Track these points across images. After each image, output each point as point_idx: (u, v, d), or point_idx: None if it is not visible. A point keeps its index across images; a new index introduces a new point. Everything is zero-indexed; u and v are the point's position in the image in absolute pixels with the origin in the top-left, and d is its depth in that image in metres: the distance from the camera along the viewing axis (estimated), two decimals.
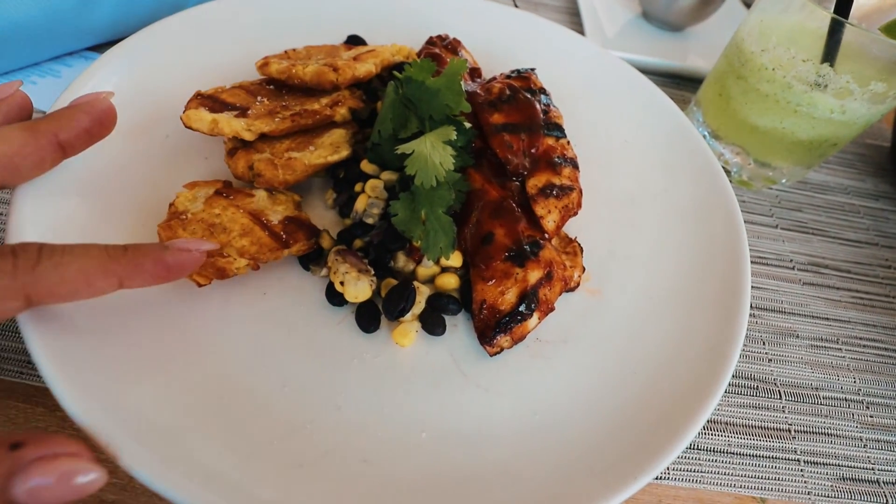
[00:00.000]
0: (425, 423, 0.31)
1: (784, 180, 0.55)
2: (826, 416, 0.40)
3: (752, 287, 0.47)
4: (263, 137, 0.41)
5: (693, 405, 0.31)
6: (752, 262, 0.49)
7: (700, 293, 0.39)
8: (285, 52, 0.50)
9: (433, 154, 0.37)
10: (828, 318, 0.47)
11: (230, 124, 0.40)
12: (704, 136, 0.57)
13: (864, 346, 0.45)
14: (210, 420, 0.29)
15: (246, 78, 0.48)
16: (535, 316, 0.36)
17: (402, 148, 0.37)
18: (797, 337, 0.45)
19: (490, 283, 0.36)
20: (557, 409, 0.33)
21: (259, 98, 0.44)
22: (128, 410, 0.27)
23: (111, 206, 0.37)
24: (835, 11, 0.43)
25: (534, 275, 0.36)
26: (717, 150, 0.56)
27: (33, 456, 0.20)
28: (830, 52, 0.43)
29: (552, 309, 0.37)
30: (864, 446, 0.39)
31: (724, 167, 0.56)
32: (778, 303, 0.47)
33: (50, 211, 0.34)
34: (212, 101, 0.42)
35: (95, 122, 0.32)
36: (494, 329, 0.35)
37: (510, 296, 0.35)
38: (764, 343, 0.44)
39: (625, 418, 0.32)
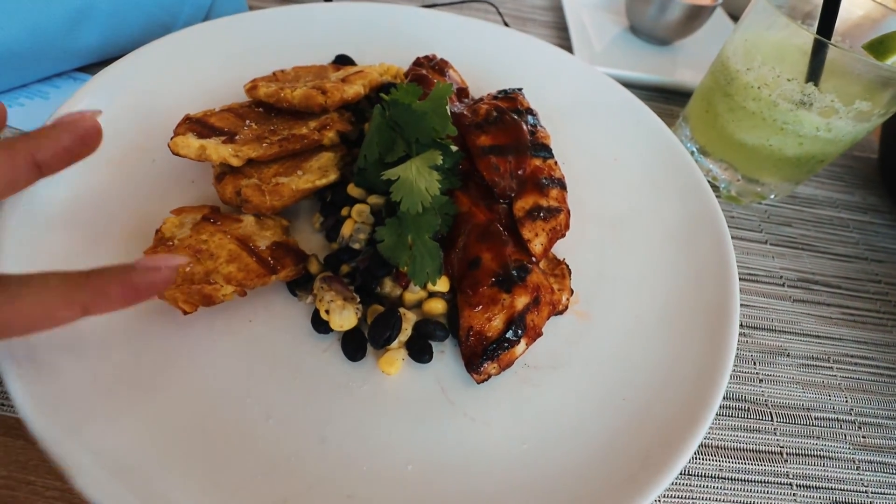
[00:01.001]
0: (411, 455, 0.31)
1: (773, 195, 0.55)
2: (818, 438, 0.40)
3: (742, 305, 0.47)
4: (251, 162, 0.41)
5: (682, 432, 0.31)
6: (741, 279, 0.49)
7: (689, 315, 0.39)
8: (273, 73, 0.50)
9: (419, 179, 0.37)
10: (819, 336, 0.46)
11: (218, 151, 0.40)
12: (692, 152, 0.57)
13: (856, 364, 0.45)
14: (190, 456, 0.28)
15: (236, 99, 0.48)
16: (523, 342, 0.35)
17: (388, 174, 0.37)
18: (788, 356, 0.45)
19: (477, 309, 0.36)
20: (546, 438, 0.33)
21: (247, 122, 0.44)
22: (105, 445, 0.26)
23: (96, 233, 0.37)
24: (818, 31, 0.43)
25: (521, 300, 0.36)
26: (705, 166, 0.56)
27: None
28: (815, 72, 0.43)
29: (540, 334, 0.37)
30: (857, 468, 0.39)
31: (712, 183, 0.57)
32: (768, 321, 0.47)
33: (32, 240, 0.33)
34: (200, 126, 0.42)
35: (77, 140, 0.30)
36: (482, 356, 0.34)
37: (497, 322, 0.35)
38: (755, 363, 0.44)
39: (614, 446, 0.32)
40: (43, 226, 0.35)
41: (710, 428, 0.39)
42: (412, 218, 0.37)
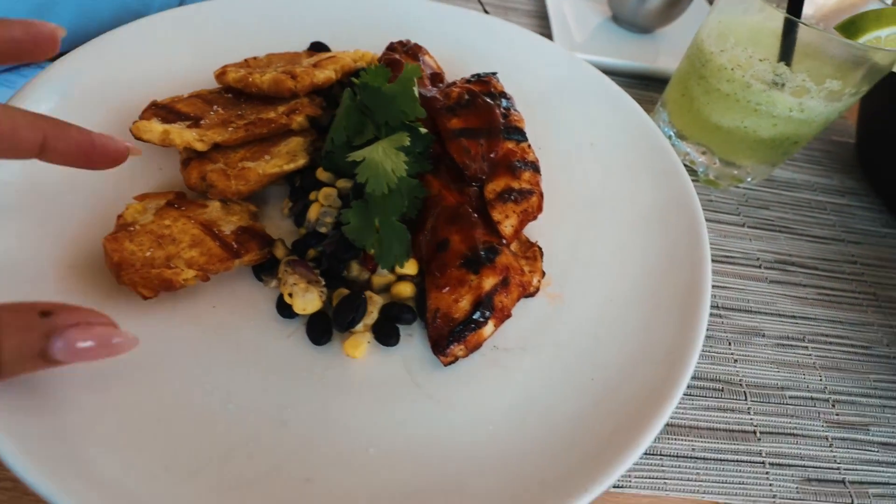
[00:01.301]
0: (373, 438, 0.30)
1: (750, 178, 0.55)
2: (791, 416, 0.40)
3: (718, 287, 0.47)
4: (218, 147, 0.41)
5: (648, 412, 0.31)
6: (718, 261, 0.49)
7: (660, 296, 0.39)
8: (245, 60, 0.50)
9: (385, 161, 0.37)
10: (794, 316, 0.46)
11: (181, 135, 0.39)
12: (670, 137, 0.57)
13: (830, 343, 0.45)
14: (144, 441, 0.27)
15: (208, 86, 0.47)
16: (491, 323, 0.35)
17: (353, 155, 0.37)
18: (763, 336, 0.44)
19: (444, 290, 0.35)
20: (512, 420, 0.32)
21: (214, 107, 0.44)
22: (54, 433, 0.26)
23: (58, 220, 0.36)
24: (788, 11, 0.43)
25: (489, 281, 0.35)
26: (682, 150, 0.56)
27: (68, 322, 0.23)
28: (786, 52, 0.43)
29: (509, 315, 0.36)
30: (830, 446, 0.39)
31: (690, 167, 0.56)
32: (744, 302, 0.47)
33: None
34: (166, 111, 0.42)
35: (29, 36, 0.29)
36: (448, 338, 0.34)
37: (464, 303, 0.35)
38: (730, 343, 0.43)
39: (581, 427, 0.32)
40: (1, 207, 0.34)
41: (684, 408, 0.39)
42: (378, 200, 0.36)
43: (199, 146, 0.39)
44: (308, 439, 0.30)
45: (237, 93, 0.46)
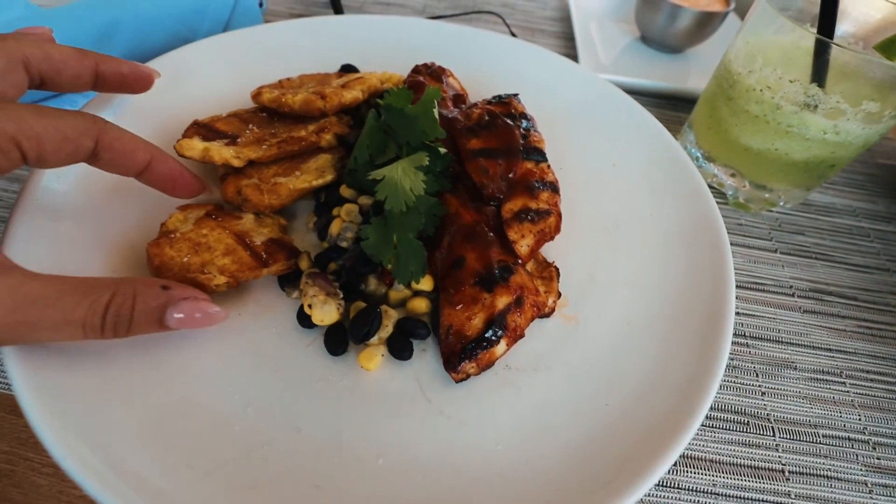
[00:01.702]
0: (383, 449, 0.31)
1: (783, 202, 0.53)
2: (826, 457, 0.37)
3: (745, 314, 0.45)
4: (253, 164, 0.43)
5: (663, 441, 0.30)
6: (747, 287, 0.48)
7: (681, 322, 0.38)
8: (280, 81, 0.53)
9: (404, 179, 0.38)
10: (830, 349, 0.44)
11: (220, 152, 0.41)
12: (697, 158, 0.56)
13: (872, 380, 0.42)
14: (169, 438, 0.29)
15: (244, 106, 0.50)
16: (503, 342, 0.35)
17: (374, 174, 0.38)
18: (795, 369, 0.42)
19: (457, 307, 0.36)
20: (522, 441, 0.32)
21: (250, 126, 0.46)
22: (90, 426, 0.28)
23: (106, 225, 0.39)
24: (819, 31, 0.42)
25: (502, 300, 0.36)
26: (710, 171, 0.54)
27: (181, 295, 0.30)
28: (819, 73, 0.42)
29: (522, 335, 0.36)
30: (870, 492, 0.36)
31: (718, 189, 0.55)
32: (774, 332, 0.44)
33: (41, 228, 0.36)
34: (206, 130, 0.45)
35: (133, 73, 0.38)
36: (460, 355, 0.34)
37: (476, 321, 0.35)
38: (757, 374, 0.41)
39: (591, 452, 0.31)
40: (54, 213, 0.37)
41: (705, 440, 0.37)
42: (397, 217, 0.38)
43: (236, 163, 0.41)
44: (320, 446, 0.30)
45: (271, 112, 0.49)
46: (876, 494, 0.36)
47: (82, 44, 0.56)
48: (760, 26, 0.46)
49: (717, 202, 0.54)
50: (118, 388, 0.31)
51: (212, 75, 0.54)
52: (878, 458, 0.38)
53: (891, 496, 0.36)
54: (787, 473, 0.36)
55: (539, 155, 0.45)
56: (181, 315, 0.29)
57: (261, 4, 0.68)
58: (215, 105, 0.51)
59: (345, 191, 0.43)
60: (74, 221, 0.38)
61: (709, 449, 0.37)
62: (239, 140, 0.44)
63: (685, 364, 0.35)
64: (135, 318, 0.28)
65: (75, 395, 0.29)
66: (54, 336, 0.27)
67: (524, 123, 0.47)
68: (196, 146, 0.41)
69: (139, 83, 0.39)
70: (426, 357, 0.37)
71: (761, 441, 0.38)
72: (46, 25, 0.55)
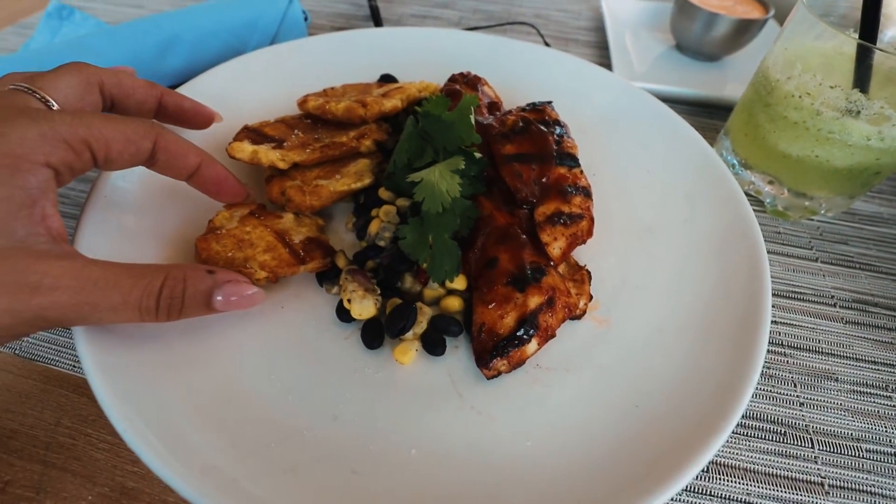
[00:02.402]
0: (416, 440, 0.32)
1: (824, 211, 0.52)
2: (868, 472, 0.36)
3: (783, 324, 0.44)
4: (296, 166, 0.46)
5: (693, 445, 0.30)
6: (785, 296, 0.47)
7: (715, 327, 0.37)
8: (324, 90, 0.56)
9: (441, 182, 0.40)
10: (875, 362, 0.42)
11: (267, 155, 0.44)
12: (734, 166, 0.55)
13: None
14: (217, 419, 0.31)
15: (290, 113, 0.53)
16: (534, 341, 0.36)
17: (413, 176, 0.40)
18: (836, 380, 0.41)
19: (490, 306, 0.37)
20: (551, 439, 0.33)
21: (295, 131, 0.49)
22: (149, 404, 0.30)
23: (161, 219, 0.42)
24: (861, 36, 0.41)
25: (534, 300, 0.36)
26: (747, 179, 0.54)
27: (225, 279, 0.32)
28: (861, 78, 0.41)
29: (553, 335, 0.37)
30: None
31: (755, 197, 0.54)
32: (814, 342, 0.43)
33: (108, 219, 0.39)
34: (255, 134, 0.48)
35: (193, 110, 0.42)
36: (492, 352, 0.35)
37: (509, 320, 0.36)
38: (795, 385, 0.41)
39: (620, 452, 0.31)
40: (118, 209, 0.40)
41: (740, 449, 0.37)
42: (433, 218, 0.39)
43: (282, 165, 0.44)
44: (356, 434, 0.32)
45: (315, 119, 0.51)
46: None
47: (145, 56, 0.62)
48: (800, 32, 0.46)
49: (755, 210, 0.53)
50: (173, 371, 0.33)
51: (261, 84, 0.58)
52: None
53: None
54: (826, 487, 0.35)
55: (572, 160, 0.46)
56: (225, 298, 0.31)
57: (306, 18, 0.72)
58: (264, 112, 0.55)
59: (383, 193, 0.45)
60: (136, 217, 0.41)
61: (743, 458, 0.36)
62: (285, 144, 0.46)
63: (718, 370, 0.34)
64: (186, 301, 0.30)
65: (136, 377, 0.32)
66: (113, 317, 0.28)
67: (557, 130, 0.48)
68: (245, 149, 0.44)
69: (198, 120, 0.43)
70: (458, 354, 0.38)
71: (799, 452, 0.37)
72: (114, 39, 0.60)
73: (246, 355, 0.36)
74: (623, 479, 0.29)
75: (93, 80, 0.35)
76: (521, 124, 0.47)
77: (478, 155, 0.43)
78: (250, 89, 0.57)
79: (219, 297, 0.31)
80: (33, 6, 0.81)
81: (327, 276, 0.41)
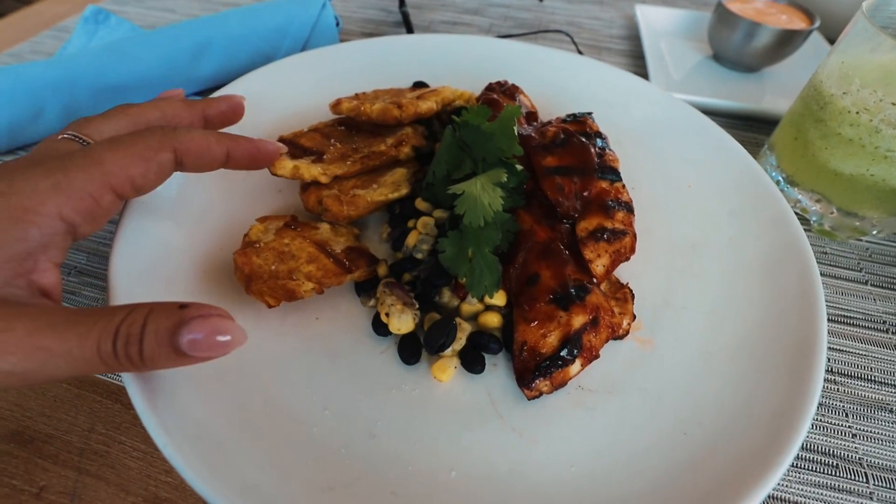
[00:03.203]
0: (456, 462, 0.31)
1: (875, 231, 0.50)
2: None
3: (833, 349, 0.43)
4: (335, 177, 0.45)
5: (751, 478, 0.29)
6: (834, 321, 0.45)
7: (766, 352, 0.36)
8: (356, 94, 0.55)
9: (483, 195, 0.39)
10: None
11: (309, 170, 0.43)
12: (778, 182, 0.53)
13: None
14: (255, 435, 0.31)
15: (324, 118, 0.53)
16: (578, 362, 0.35)
17: (454, 188, 0.39)
18: (891, 411, 0.39)
19: (532, 324, 0.36)
20: (596, 464, 0.31)
21: (332, 140, 0.49)
22: (187, 418, 0.30)
23: (197, 229, 0.42)
24: None
25: (578, 319, 0.35)
26: (793, 196, 0.52)
27: (194, 315, 0.25)
28: None
29: (597, 356, 0.36)
30: None
31: (801, 215, 0.52)
32: (866, 369, 0.41)
33: (146, 228, 0.39)
34: (291, 146, 0.47)
35: (230, 108, 0.41)
36: (534, 372, 0.34)
37: (552, 339, 0.35)
38: (847, 415, 0.39)
39: (669, 483, 0.30)
40: (156, 217, 0.40)
41: (789, 481, 0.35)
42: (474, 231, 0.38)
43: (324, 179, 0.43)
44: (394, 454, 0.31)
45: (349, 124, 0.51)
46: None
47: (179, 61, 0.62)
48: (858, 44, 0.44)
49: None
50: (210, 383, 0.33)
51: (293, 90, 0.58)
52: None
53: None
54: None
55: (614, 174, 0.45)
56: (195, 336, 0.25)
57: (337, 24, 0.72)
58: (296, 117, 0.55)
59: (420, 204, 0.44)
60: (173, 230, 0.41)
61: (793, 490, 0.35)
62: (325, 157, 0.46)
63: (772, 398, 0.33)
64: (145, 341, 0.25)
65: (174, 389, 0.31)
66: (72, 366, 0.24)
67: (599, 142, 0.47)
68: (287, 165, 0.44)
69: (236, 113, 0.42)
70: (497, 372, 0.37)
71: (853, 487, 0.35)
72: (148, 44, 0.61)
73: (282, 368, 0.35)
74: None
75: (140, 119, 0.35)
76: (562, 136, 0.46)
77: (519, 167, 0.42)
78: (282, 95, 0.57)
79: (187, 338, 0.24)
80: (69, 10, 0.83)
81: (365, 288, 0.40)
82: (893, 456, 0.37)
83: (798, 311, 0.37)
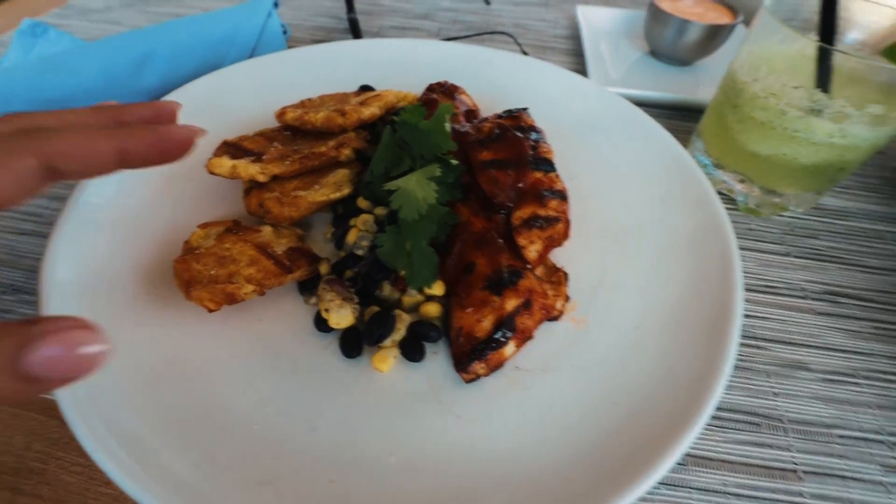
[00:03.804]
0: (396, 447, 0.32)
1: (794, 207, 0.53)
2: (840, 457, 0.37)
3: (757, 317, 0.46)
4: (276, 178, 0.46)
5: (668, 438, 0.31)
6: (758, 291, 0.48)
7: (690, 323, 0.38)
8: (301, 101, 0.56)
9: (417, 189, 0.40)
10: (845, 351, 0.43)
11: (246, 169, 0.44)
12: (706, 166, 0.56)
13: (889, 380, 0.42)
14: (193, 435, 0.31)
15: (268, 125, 0.54)
16: (512, 343, 0.36)
17: (390, 185, 0.40)
18: (808, 370, 0.42)
19: (468, 310, 0.37)
20: (530, 438, 0.33)
21: (274, 143, 0.49)
22: (120, 423, 0.30)
23: (136, 237, 0.42)
24: (820, 39, 0.43)
25: (511, 303, 0.37)
26: (720, 178, 0.55)
27: (48, 329, 0.20)
28: (822, 79, 0.43)
29: (531, 337, 0.37)
30: (887, 492, 0.35)
31: (729, 196, 0.55)
32: (786, 334, 0.44)
33: (82, 236, 0.39)
34: (234, 148, 0.48)
35: (154, 114, 0.32)
36: (470, 356, 0.36)
37: (486, 323, 0.36)
38: (769, 375, 0.41)
39: (598, 449, 0.32)
40: (92, 226, 0.40)
41: (716, 440, 0.38)
42: (410, 225, 0.40)
43: (261, 178, 0.44)
44: (335, 444, 0.32)
45: (294, 130, 0.52)
46: (893, 494, 0.35)
47: (120, 72, 0.61)
48: (764, 36, 0.47)
49: (728, 208, 0.55)
50: (146, 388, 0.33)
51: (240, 98, 0.58)
52: (893, 454, 0.37)
53: None
54: (800, 473, 0.36)
55: (548, 165, 0.47)
56: (51, 352, 0.20)
57: (285, 32, 0.73)
58: (242, 126, 0.55)
59: (361, 202, 0.45)
60: (109, 238, 0.41)
61: (720, 449, 0.37)
62: (264, 157, 0.47)
63: (693, 364, 0.35)
64: None
65: (106, 395, 0.31)
66: None
67: (533, 135, 0.49)
68: (225, 164, 0.45)
69: (173, 150, 0.30)
70: (438, 360, 0.38)
71: (774, 441, 0.38)
72: (88, 55, 0.60)
73: (221, 369, 0.36)
74: (600, 474, 0.30)
75: (29, 128, 0.27)
76: (497, 131, 0.48)
77: (454, 162, 0.44)
78: (228, 103, 0.57)
79: (40, 357, 0.19)
80: (6, 24, 0.81)
81: (307, 287, 0.41)
82: (809, 410, 0.40)
83: (717, 283, 0.40)
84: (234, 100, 0.58)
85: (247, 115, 0.57)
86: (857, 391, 0.41)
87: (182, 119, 0.48)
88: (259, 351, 0.37)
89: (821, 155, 0.47)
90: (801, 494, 0.35)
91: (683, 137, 0.60)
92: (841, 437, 0.38)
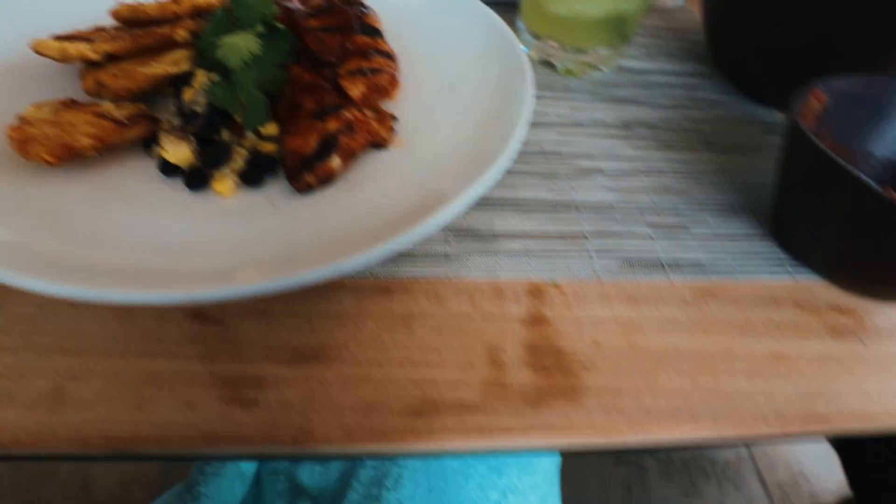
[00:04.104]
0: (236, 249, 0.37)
1: (602, 66, 0.63)
2: (618, 221, 0.46)
3: (566, 144, 0.54)
4: (112, 59, 0.48)
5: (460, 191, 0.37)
6: (568, 126, 0.57)
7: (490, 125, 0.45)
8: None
9: (241, 42, 0.44)
10: (632, 159, 0.53)
11: (77, 47, 0.46)
12: (529, 39, 0.65)
13: (662, 172, 0.52)
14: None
15: None
16: (337, 158, 0.42)
17: (216, 41, 0.44)
18: (601, 173, 0.51)
19: (296, 136, 0.42)
20: (348, 222, 0.39)
21: (109, 31, 0.51)
22: None
23: None
24: None
25: (333, 124, 0.42)
26: (540, 47, 0.64)
27: None
28: None
29: (355, 154, 0.43)
30: (651, 238, 0.45)
31: (549, 61, 0.64)
32: (587, 151, 0.53)
33: None
34: (65, 39, 0.49)
35: None
36: (300, 168, 0.40)
37: (311, 142, 0.41)
38: (570, 178, 0.50)
39: (403, 211, 0.38)
40: None
41: (519, 222, 0.45)
42: (239, 73, 0.44)
43: (93, 56, 0.46)
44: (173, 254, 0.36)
45: (131, 24, 0.53)
46: (657, 240, 0.45)
47: None
48: None
49: (550, 73, 0.64)
50: None
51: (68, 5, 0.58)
52: (659, 216, 0.47)
53: (666, 239, 0.45)
54: (586, 234, 0.45)
55: (375, 32, 0.52)
56: None
57: None
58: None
59: (199, 75, 0.48)
60: None
61: (524, 227, 0.45)
62: (96, 40, 0.48)
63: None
64: None
65: None
66: None
67: (361, 9, 0.54)
68: (52, 45, 0.46)
69: None
70: (280, 186, 0.43)
71: (567, 217, 0.46)
72: None
73: (69, 218, 0.38)
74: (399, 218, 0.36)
75: None
76: (324, 4, 0.52)
77: (281, 27, 0.48)
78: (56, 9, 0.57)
79: None
80: None
81: (150, 144, 0.44)
82: (598, 197, 0.49)
83: (510, 96, 0.47)
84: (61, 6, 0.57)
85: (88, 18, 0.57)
86: (639, 183, 0.51)
87: (3, 27, 0.48)
88: (105, 197, 0.40)
89: (604, 7, 0.56)
90: (586, 250, 0.44)
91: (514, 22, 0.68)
92: (620, 210, 0.48)
